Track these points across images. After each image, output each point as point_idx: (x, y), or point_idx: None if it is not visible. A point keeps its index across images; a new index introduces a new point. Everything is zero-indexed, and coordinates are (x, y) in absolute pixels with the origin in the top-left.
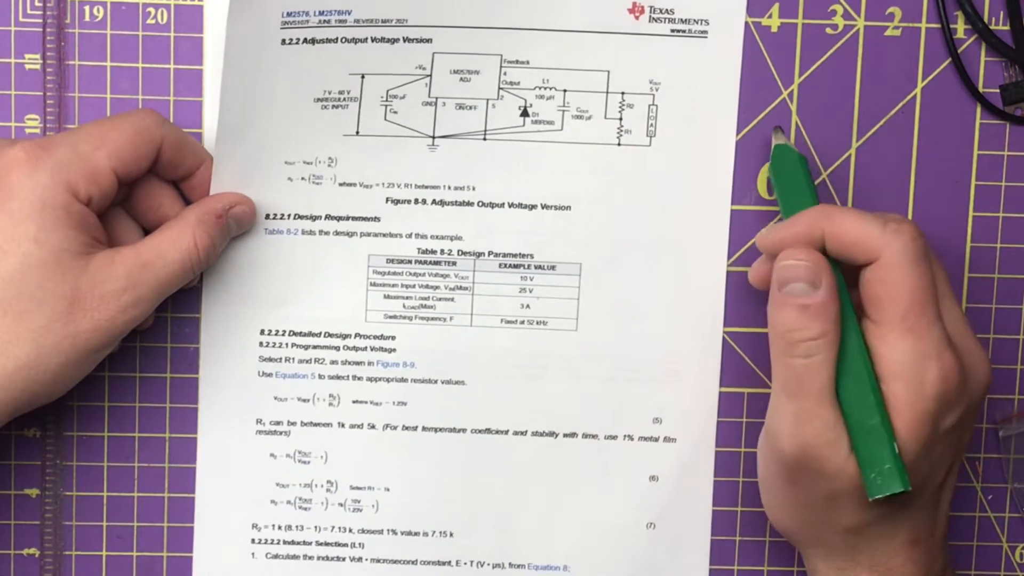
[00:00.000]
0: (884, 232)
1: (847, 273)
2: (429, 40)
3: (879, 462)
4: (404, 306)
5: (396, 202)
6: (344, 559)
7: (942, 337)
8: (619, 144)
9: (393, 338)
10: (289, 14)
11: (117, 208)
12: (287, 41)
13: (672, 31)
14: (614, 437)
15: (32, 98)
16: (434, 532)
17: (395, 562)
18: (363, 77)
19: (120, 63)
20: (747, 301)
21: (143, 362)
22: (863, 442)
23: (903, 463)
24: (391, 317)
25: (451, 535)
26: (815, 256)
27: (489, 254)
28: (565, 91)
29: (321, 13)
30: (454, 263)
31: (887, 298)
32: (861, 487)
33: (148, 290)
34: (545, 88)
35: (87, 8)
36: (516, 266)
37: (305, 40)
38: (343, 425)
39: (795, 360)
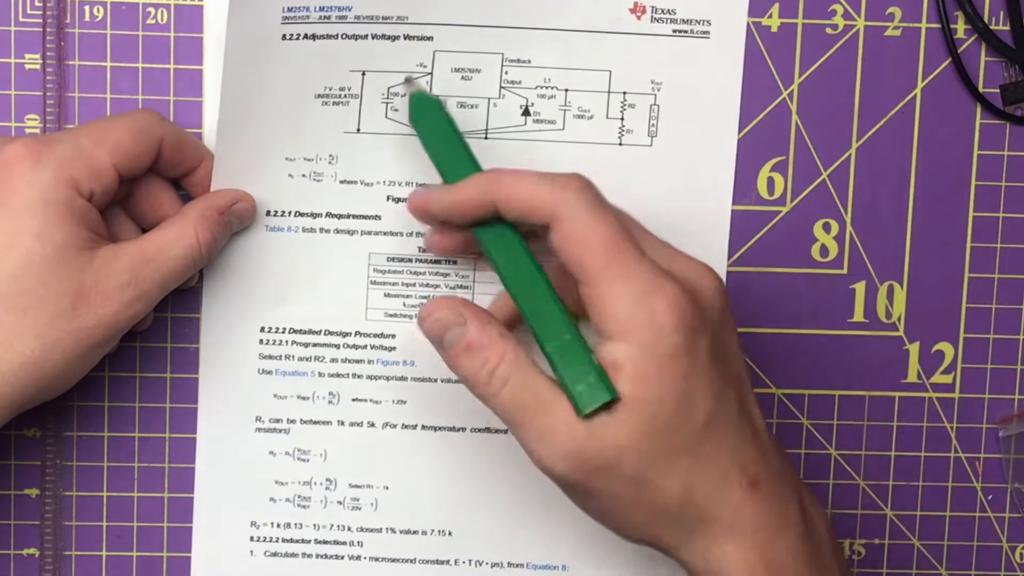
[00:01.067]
0: (554, 189)
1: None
2: (430, 38)
3: (583, 376)
4: (404, 305)
5: (397, 200)
6: (343, 557)
7: (653, 269)
8: (620, 144)
9: (393, 336)
10: (290, 9)
11: (117, 207)
12: (288, 36)
13: (674, 31)
14: None
15: (32, 98)
16: (433, 531)
17: (394, 560)
18: (364, 74)
19: (120, 63)
20: (747, 301)
21: (143, 362)
22: (562, 364)
23: (605, 373)
24: (391, 316)
25: (450, 534)
26: (442, 303)
27: None
28: (567, 91)
29: (321, 9)
30: (454, 262)
31: (583, 252)
32: (656, 454)
33: (151, 285)
34: (546, 87)
35: (87, 8)
36: None
37: (306, 36)
38: (343, 423)
39: (502, 394)
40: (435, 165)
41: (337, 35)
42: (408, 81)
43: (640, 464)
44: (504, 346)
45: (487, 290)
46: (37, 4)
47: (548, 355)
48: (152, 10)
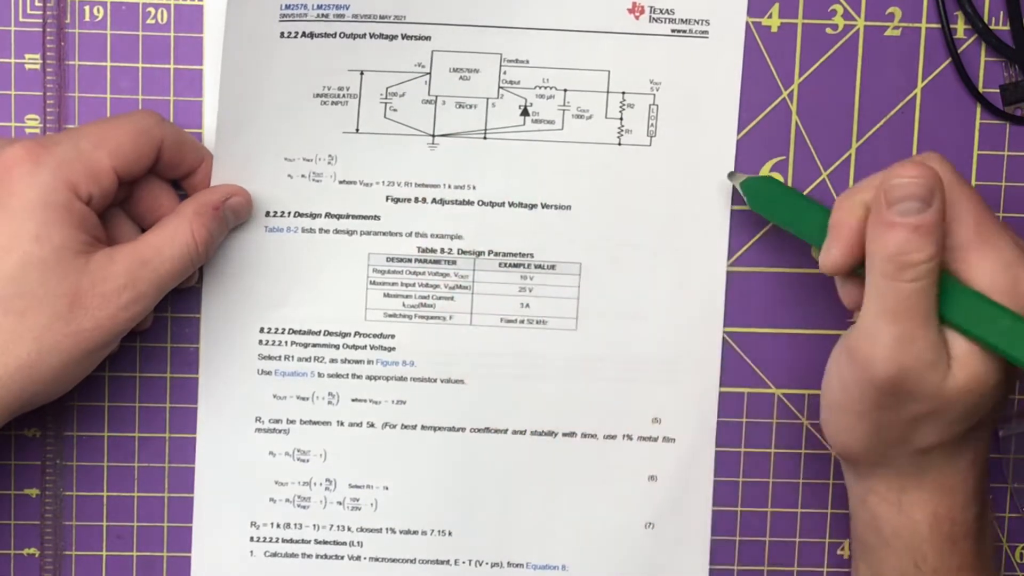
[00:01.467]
0: (915, 164)
1: None
2: (428, 38)
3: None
4: (404, 305)
5: (396, 201)
6: (343, 558)
7: (1017, 241)
8: (620, 144)
9: (393, 337)
10: (287, 7)
11: (116, 208)
12: (286, 34)
13: (672, 31)
14: (613, 437)
15: (32, 98)
16: (433, 531)
17: (393, 561)
18: (362, 73)
19: (120, 63)
20: (747, 301)
21: (143, 362)
22: (1011, 343)
23: None
24: (391, 316)
25: (450, 534)
26: (928, 172)
27: (489, 253)
28: (565, 91)
29: (319, 7)
30: (454, 262)
31: (951, 220)
32: (951, 405)
33: (148, 286)
34: (545, 87)
35: (87, 8)
36: (516, 265)
37: (304, 34)
38: (342, 423)
39: (903, 284)
40: (798, 234)
41: (335, 34)
42: (731, 175)
43: (935, 411)
44: (940, 252)
45: (487, 290)
46: (37, 4)
47: (994, 343)
48: (152, 10)
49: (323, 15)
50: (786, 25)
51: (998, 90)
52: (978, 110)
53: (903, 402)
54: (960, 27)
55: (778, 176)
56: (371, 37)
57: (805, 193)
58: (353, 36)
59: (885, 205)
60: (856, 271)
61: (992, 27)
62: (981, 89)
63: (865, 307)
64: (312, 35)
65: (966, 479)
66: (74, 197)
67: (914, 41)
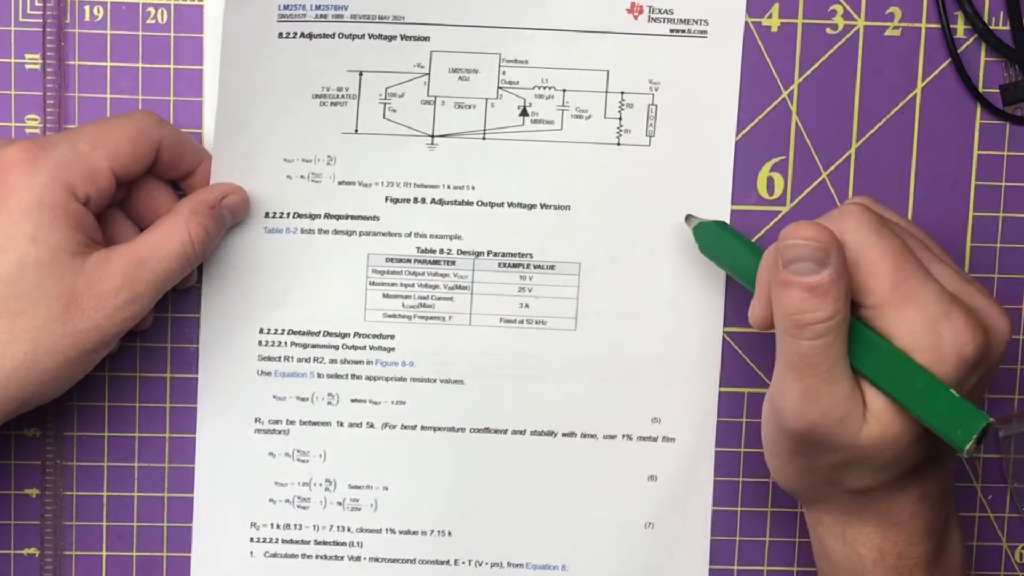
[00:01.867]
0: (832, 217)
1: None
2: (427, 38)
3: (952, 415)
4: (403, 305)
5: (395, 201)
6: (343, 558)
7: (941, 294)
8: (618, 144)
9: (392, 337)
10: (286, 7)
11: (115, 208)
12: (284, 35)
13: (671, 31)
14: (613, 437)
15: (32, 98)
16: (432, 531)
17: (393, 561)
18: (361, 74)
19: (120, 63)
20: (747, 301)
21: (143, 362)
22: (923, 407)
23: (966, 400)
24: (390, 316)
25: (449, 534)
26: (822, 233)
27: (488, 253)
28: (564, 91)
29: (318, 7)
30: (453, 262)
31: (868, 277)
32: (871, 456)
33: (145, 286)
34: (544, 87)
35: (87, 8)
36: (515, 265)
37: (302, 35)
38: (342, 424)
39: (803, 342)
40: (742, 281)
41: (334, 34)
42: (688, 218)
43: (856, 460)
44: (841, 309)
45: (486, 290)
46: (37, 4)
47: (907, 404)
48: (152, 10)
49: (322, 15)
50: (786, 25)
51: (998, 90)
52: (978, 110)
53: (821, 451)
54: (960, 27)
55: (779, 177)
56: (370, 37)
57: (805, 193)
58: (352, 36)
59: (781, 264)
60: None
61: (992, 27)
62: (981, 89)
63: (776, 360)
64: (311, 36)
65: (913, 516)
66: (71, 198)
67: (914, 41)
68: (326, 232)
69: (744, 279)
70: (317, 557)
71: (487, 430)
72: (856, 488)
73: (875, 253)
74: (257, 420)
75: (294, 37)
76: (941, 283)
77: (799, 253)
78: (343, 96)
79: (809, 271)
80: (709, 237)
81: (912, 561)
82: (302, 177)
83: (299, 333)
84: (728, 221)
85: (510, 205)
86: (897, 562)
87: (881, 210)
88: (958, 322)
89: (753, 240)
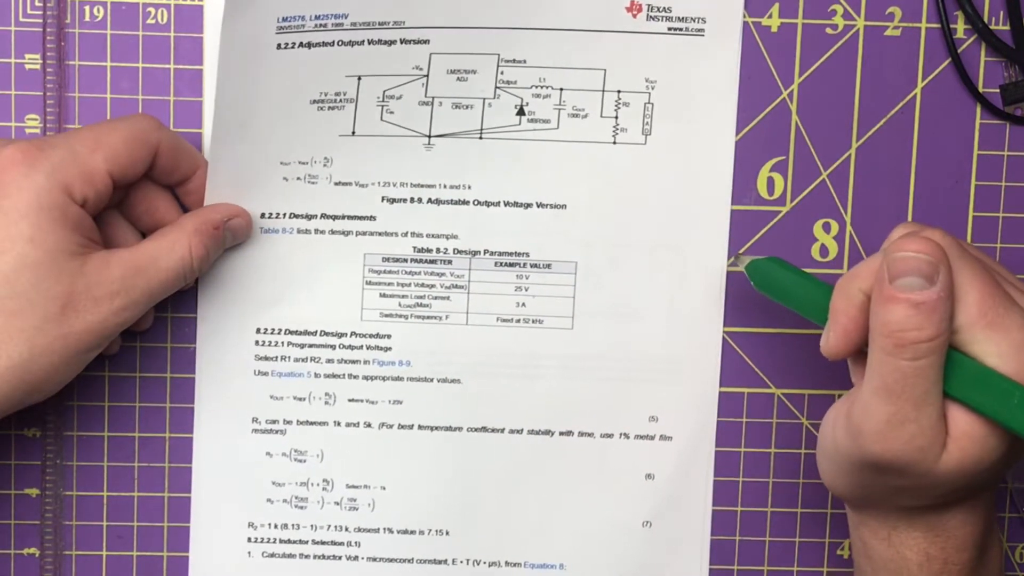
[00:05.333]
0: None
1: None
2: (426, 41)
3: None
4: (400, 305)
5: (392, 201)
6: (340, 558)
7: None
8: (615, 143)
9: (389, 337)
10: (284, 19)
11: (113, 210)
12: (283, 46)
13: (669, 29)
14: (610, 436)
15: (32, 98)
16: (430, 531)
17: (391, 561)
18: (359, 79)
19: (120, 63)
20: (747, 301)
21: (143, 362)
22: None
23: None
24: (387, 316)
25: (447, 534)
26: (933, 247)
27: (485, 253)
28: (561, 90)
29: (317, 17)
30: (450, 262)
31: (956, 301)
32: (941, 483)
33: (140, 294)
34: (541, 87)
35: (87, 8)
36: (512, 265)
37: (301, 44)
38: (339, 424)
39: (902, 362)
40: (804, 315)
41: (333, 42)
42: (737, 257)
43: (922, 486)
44: (945, 331)
45: (483, 289)
46: (37, 4)
47: (1004, 420)
48: (152, 10)
49: (321, 25)
50: (786, 25)
51: (998, 90)
52: (978, 110)
53: (889, 475)
54: (960, 27)
55: (779, 177)
56: (370, 43)
57: (805, 193)
58: (352, 43)
59: (887, 279)
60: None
61: (992, 27)
62: (981, 89)
63: (865, 379)
64: (310, 45)
65: (963, 524)
66: (69, 200)
67: (914, 41)
68: (323, 232)
69: (807, 311)
70: (315, 557)
71: (484, 429)
72: (910, 508)
73: (962, 277)
74: (254, 420)
75: (293, 47)
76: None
77: (908, 267)
78: (341, 100)
79: (917, 287)
80: (765, 273)
81: (958, 567)
82: (299, 179)
83: (296, 333)
84: (728, 221)
85: (506, 204)
86: (943, 567)
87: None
88: None
89: (753, 240)
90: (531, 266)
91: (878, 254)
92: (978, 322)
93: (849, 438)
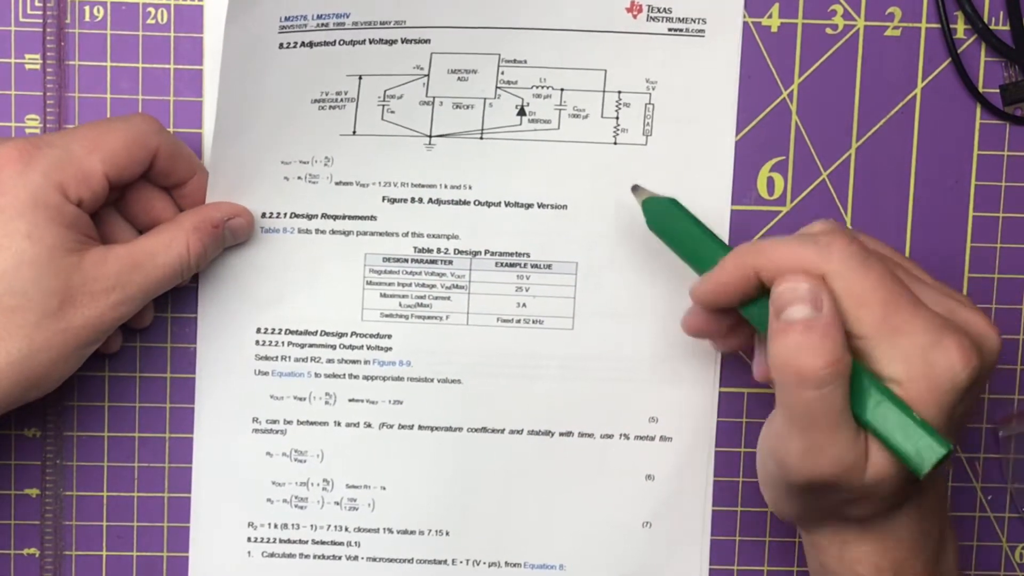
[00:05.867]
0: (819, 248)
1: None
2: (427, 41)
3: (914, 441)
4: (400, 305)
5: (392, 201)
6: (340, 558)
7: (932, 321)
8: (615, 143)
9: (389, 337)
10: (287, 18)
11: (110, 208)
12: (285, 45)
13: (669, 30)
14: (610, 436)
15: (32, 98)
16: (430, 531)
17: (391, 561)
18: (360, 78)
19: (120, 63)
20: None
21: (143, 362)
22: (886, 429)
23: (930, 426)
24: (387, 316)
25: (447, 534)
26: (812, 278)
27: (485, 253)
28: (562, 90)
29: (319, 17)
30: (450, 262)
31: (859, 308)
32: (876, 492)
33: (137, 290)
34: (542, 87)
35: (87, 8)
36: (512, 265)
37: (303, 44)
38: (339, 424)
39: (806, 393)
40: (687, 261)
41: (335, 42)
42: (636, 188)
43: (862, 496)
44: (842, 356)
45: (483, 290)
46: (37, 4)
47: (867, 423)
48: (152, 10)
49: (323, 24)
50: (786, 25)
51: (998, 90)
52: (978, 110)
53: (825, 493)
54: (960, 27)
55: (778, 177)
56: (371, 43)
57: (805, 193)
58: (353, 43)
59: (775, 314)
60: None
61: (992, 27)
62: (981, 89)
63: (777, 411)
64: (311, 44)
65: (911, 530)
66: (64, 199)
67: (914, 41)
68: (323, 232)
69: (693, 258)
70: (315, 557)
71: (484, 430)
72: (859, 517)
73: (864, 283)
74: (254, 420)
75: (295, 47)
76: (931, 307)
77: (792, 298)
78: (342, 100)
79: (803, 315)
80: (661, 213)
81: (910, 574)
82: (299, 178)
83: (296, 333)
84: (728, 221)
85: (507, 205)
86: None
87: (862, 237)
88: (951, 349)
89: (753, 240)
90: (532, 266)
91: (792, 238)
92: (882, 328)
93: (776, 466)
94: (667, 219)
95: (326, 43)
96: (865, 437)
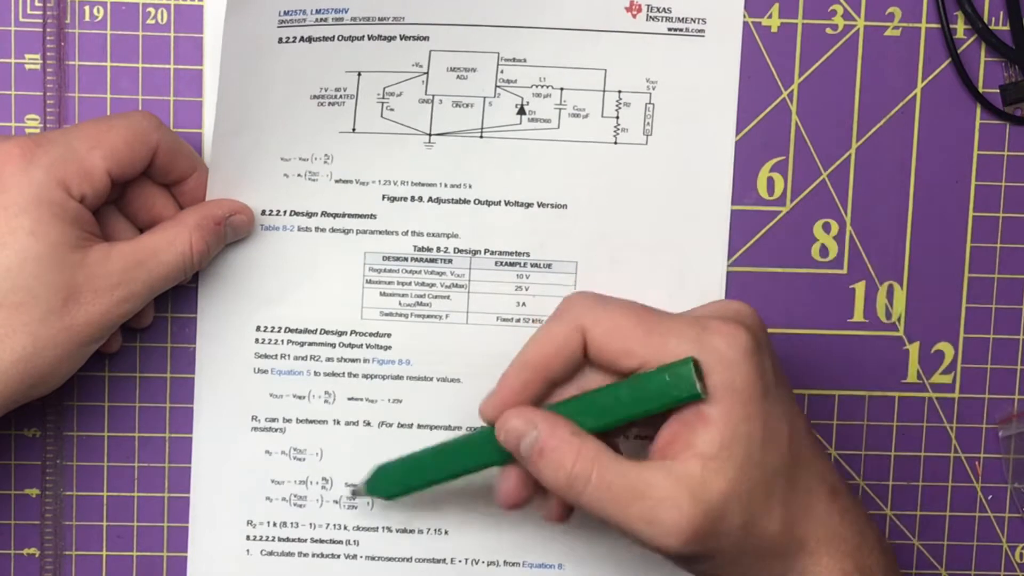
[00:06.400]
0: (563, 316)
1: None
2: (426, 38)
3: (670, 382)
4: (400, 304)
5: (392, 199)
6: (339, 556)
7: (688, 318)
8: (615, 143)
9: (389, 335)
10: (286, 12)
11: (111, 206)
12: (284, 39)
13: (669, 30)
14: None
15: (32, 98)
16: (429, 530)
17: (390, 560)
18: (360, 75)
19: (120, 63)
20: (747, 301)
21: (143, 362)
22: (655, 399)
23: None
24: (387, 315)
25: (446, 533)
26: (511, 413)
27: (485, 252)
28: (562, 89)
29: (318, 11)
30: (450, 261)
31: (620, 341)
32: (760, 489)
33: (140, 286)
34: (542, 86)
35: (87, 8)
36: (512, 264)
37: (302, 38)
38: (338, 422)
39: (587, 492)
40: (461, 472)
41: (334, 37)
42: (354, 493)
43: (745, 508)
44: (577, 444)
45: (483, 288)
46: (37, 4)
47: (648, 410)
48: (152, 10)
49: (322, 19)
50: (786, 25)
51: (998, 90)
52: (978, 110)
53: (720, 534)
54: (960, 27)
55: (778, 177)
56: (370, 39)
57: (805, 193)
58: (352, 38)
59: (519, 456)
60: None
61: (992, 27)
62: (981, 89)
63: (602, 519)
64: (311, 39)
65: (840, 515)
66: (67, 196)
67: (914, 41)
68: (323, 230)
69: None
70: (313, 555)
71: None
72: (780, 527)
73: (615, 315)
74: (254, 418)
75: (294, 41)
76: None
77: (513, 436)
78: (341, 96)
79: (533, 443)
80: (386, 479)
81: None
82: (299, 175)
83: (296, 331)
84: (728, 221)
85: (507, 204)
86: None
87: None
88: (717, 327)
89: (753, 240)
90: (531, 266)
91: (541, 328)
92: (650, 344)
93: (661, 555)
94: (400, 473)
95: (325, 38)
96: (690, 463)
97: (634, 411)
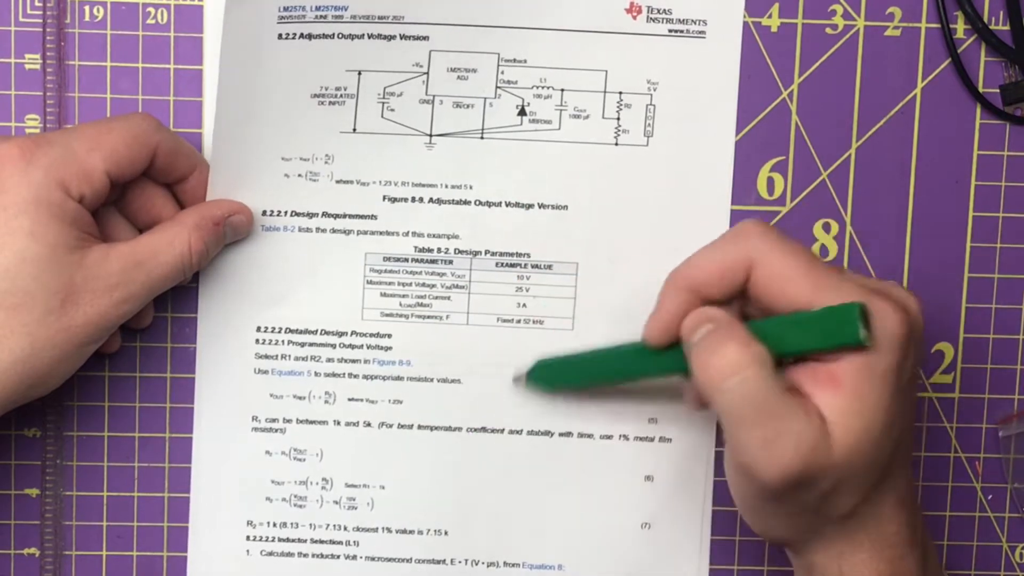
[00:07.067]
0: (737, 241)
1: None
2: (426, 38)
3: (828, 324)
4: (400, 304)
5: (393, 200)
6: (339, 557)
7: (859, 286)
8: (616, 144)
9: (389, 336)
10: (286, 9)
11: (110, 207)
12: (284, 36)
13: (670, 31)
14: (609, 437)
15: (32, 98)
16: (429, 530)
17: (390, 560)
18: (360, 74)
19: (120, 63)
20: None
21: (143, 362)
22: (818, 339)
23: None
24: (387, 315)
25: (446, 533)
26: (694, 311)
27: (486, 253)
28: (563, 90)
29: (317, 8)
30: (451, 262)
31: (786, 285)
32: (849, 469)
33: (139, 287)
34: (543, 87)
35: (87, 8)
36: (513, 265)
37: (302, 35)
38: (339, 423)
39: (727, 383)
40: (615, 379)
41: (333, 35)
42: (516, 380)
43: (839, 480)
44: (749, 350)
45: (484, 289)
46: (37, 4)
47: (789, 351)
48: (152, 10)
49: (321, 16)
50: (786, 25)
51: (998, 90)
52: (978, 110)
53: (803, 490)
54: (960, 27)
55: (778, 177)
56: (369, 37)
57: (805, 193)
58: (351, 37)
59: (686, 348)
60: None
61: (992, 27)
62: (981, 89)
63: (725, 431)
64: (310, 36)
65: (899, 526)
66: (66, 196)
67: (914, 41)
68: (324, 231)
69: (623, 370)
70: (313, 556)
71: (484, 430)
72: (845, 512)
73: (788, 261)
74: (254, 419)
75: (294, 38)
76: (855, 279)
77: (693, 325)
78: (341, 96)
79: (706, 333)
80: (548, 373)
81: (909, 574)
82: (300, 176)
83: (296, 332)
84: (728, 221)
85: (508, 205)
86: None
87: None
88: (881, 305)
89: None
90: (532, 267)
91: (711, 244)
92: (814, 299)
93: (747, 482)
94: (559, 370)
95: (324, 36)
96: (820, 416)
97: (794, 347)
